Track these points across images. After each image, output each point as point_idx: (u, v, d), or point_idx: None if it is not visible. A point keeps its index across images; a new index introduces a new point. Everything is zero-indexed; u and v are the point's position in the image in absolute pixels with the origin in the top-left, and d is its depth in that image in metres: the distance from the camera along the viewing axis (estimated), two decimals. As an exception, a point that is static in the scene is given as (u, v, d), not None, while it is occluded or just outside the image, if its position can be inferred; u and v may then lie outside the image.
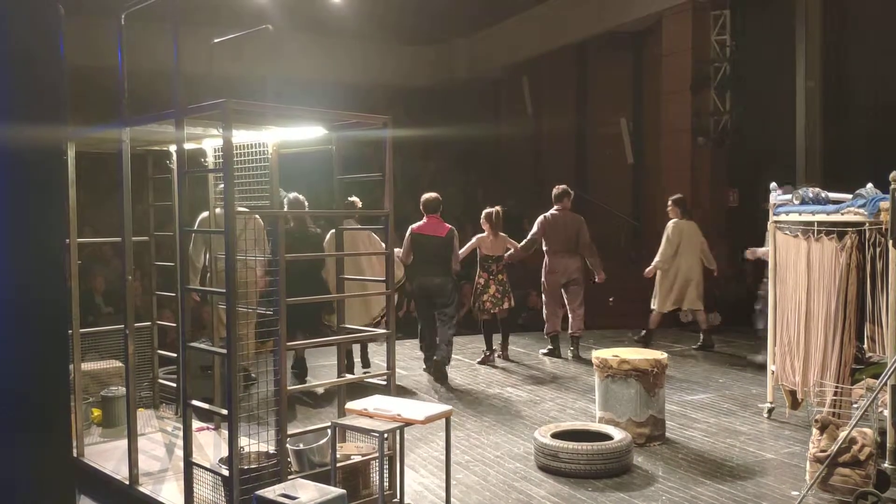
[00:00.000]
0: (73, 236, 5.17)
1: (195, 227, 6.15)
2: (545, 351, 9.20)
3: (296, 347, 7.14)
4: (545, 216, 8.99)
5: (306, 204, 7.31)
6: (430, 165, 18.00)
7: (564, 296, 9.03)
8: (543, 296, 9.16)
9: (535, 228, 8.96)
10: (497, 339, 9.00)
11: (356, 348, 8.26)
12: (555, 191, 9.16)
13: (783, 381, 6.16)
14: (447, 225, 8.24)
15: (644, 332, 9.63)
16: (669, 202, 9.44)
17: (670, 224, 9.32)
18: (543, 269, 9.06)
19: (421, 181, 16.88)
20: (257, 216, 5.24)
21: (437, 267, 8.09)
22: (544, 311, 9.17)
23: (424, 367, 8.49)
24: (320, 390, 7.11)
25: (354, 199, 7.48)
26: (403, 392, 7.14)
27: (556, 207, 9.04)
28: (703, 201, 12.28)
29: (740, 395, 7.20)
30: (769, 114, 11.87)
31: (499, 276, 8.73)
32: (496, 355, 8.92)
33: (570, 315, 9.04)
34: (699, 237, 9.37)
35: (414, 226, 8.16)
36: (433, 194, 8.29)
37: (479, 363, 8.77)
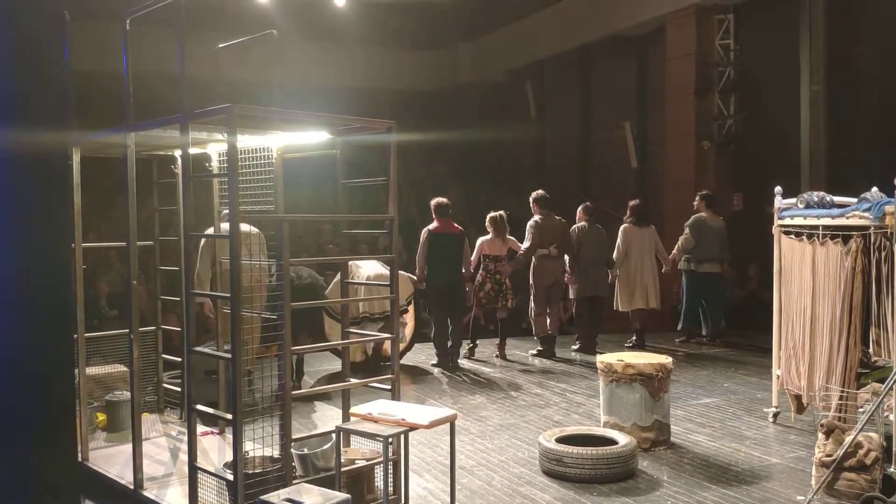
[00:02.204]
0: (78, 241, 5.18)
1: (202, 244, 6.18)
2: (535, 352, 9.35)
3: (300, 352, 7.16)
4: (536, 221, 9.13)
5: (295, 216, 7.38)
6: (434, 170, 18.02)
7: (548, 298, 9.20)
8: (532, 299, 9.24)
9: (530, 235, 9.06)
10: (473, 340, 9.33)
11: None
12: (538, 196, 9.32)
13: (788, 386, 6.15)
14: (457, 226, 8.76)
15: (634, 337, 9.83)
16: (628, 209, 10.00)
17: (620, 229, 9.84)
18: (531, 273, 9.19)
19: (425, 185, 16.92)
20: (254, 229, 5.24)
21: (454, 263, 8.61)
22: (533, 313, 9.26)
23: (436, 362, 8.71)
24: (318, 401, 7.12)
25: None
26: (408, 396, 7.13)
27: (542, 212, 9.17)
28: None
29: (745, 400, 7.19)
30: (774, 118, 11.86)
31: (496, 275, 8.97)
32: (495, 354, 9.27)
33: (548, 316, 9.26)
34: (652, 240, 9.84)
35: (430, 227, 8.64)
36: (443, 199, 8.75)
37: (464, 357, 9.13)
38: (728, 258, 10.01)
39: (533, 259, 9.12)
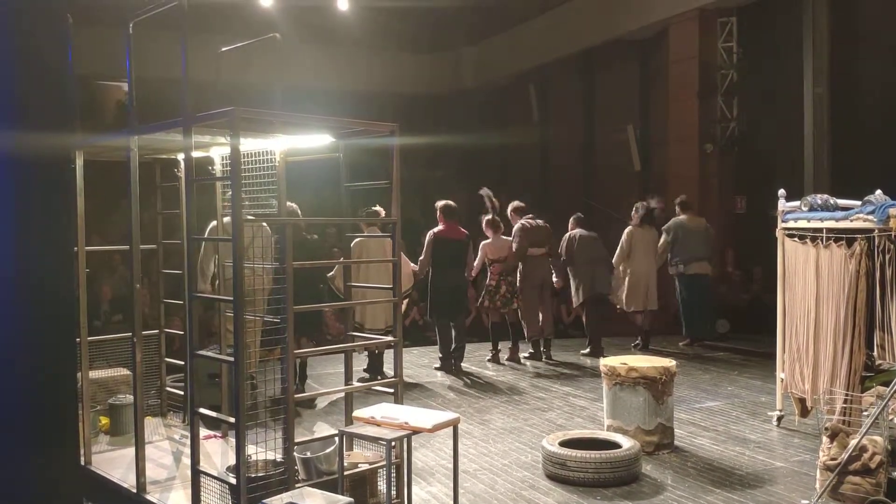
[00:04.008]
0: (82, 244, 5.18)
1: (205, 237, 6.17)
2: (526, 355, 9.34)
3: (303, 355, 7.16)
4: (523, 224, 9.14)
5: (300, 212, 7.36)
6: (437, 173, 17.99)
7: (540, 299, 9.19)
8: (522, 301, 9.22)
9: (518, 237, 9.07)
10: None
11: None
12: (516, 206, 9.51)
13: (792, 389, 6.13)
14: (463, 230, 8.72)
15: (638, 339, 9.83)
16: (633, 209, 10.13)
17: (625, 230, 9.94)
18: (519, 274, 9.18)
19: (428, 189, 16.90)
20: (265, 224, 5.24)
21: (458, 269, 8.55)
22: (524, 316, 9.24)
23: (438, 366, 8.70)
24: (323, 403, 7.11)
25: (378, 208, 7.56)
26: (411, 400, 7.12)
27: (528, 216, 9.28)
28: (710, 208, 12.25)
29: (749, 403, 7.17)
30: (777, 120, 11.85)
31: (507, 277, 9.00)
32: (504, 356, 9.23)
33: (541, 318, 9.24)
34: (654, 241, 9.95)
35: (435, 230, 8.59)
36: (450, 201, 8.73)
37: (489, 361, 9.14)
38: (712, 257, 10.05)
39: (522, 262, 9.16)
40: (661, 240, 9.94)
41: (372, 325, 7.76)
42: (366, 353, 8.34)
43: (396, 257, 4.76)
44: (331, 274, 7.69)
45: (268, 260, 4.86)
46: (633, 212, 10.00)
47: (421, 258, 8.60)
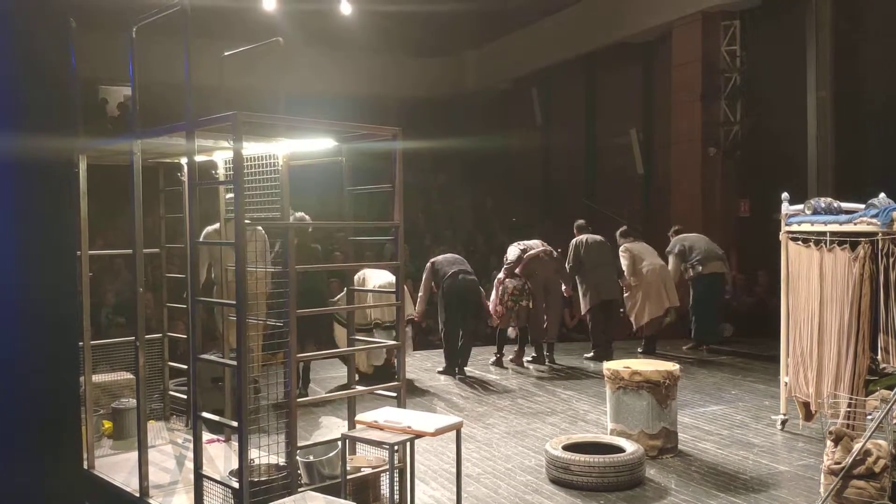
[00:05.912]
0: (85, 248, 5.18)
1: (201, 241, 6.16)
2: (530, 359, 9.30)
3: (306, 359, 7.15)
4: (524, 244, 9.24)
5: (308, 219, 7.36)
6: (440, 177, 18.03)
7: (544, 301, 9.14)
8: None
9: (515, 256, 9.06)
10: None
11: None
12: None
13: (796, 393, 6.11)
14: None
15: (643, 342, 9.81)
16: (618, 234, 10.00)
17: (620, 249, 9.76)
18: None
19: (431, 193, 16.93)
20: (259, 227, 5.23)
21: (467, 274, 8.64)
22: (527, 319, 9.20)
23: (442, 369, 8.70)
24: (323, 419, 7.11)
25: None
26: (414, 403, 7.11)
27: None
28: (714, 211, 12.25)
29: (753, 407, 7.15)
30: (780, 123, 11.84)
31: (515, 279, 9.03)
32: (508, 359, 9.23)
33: (546, 322, 9.20)
34: (650, 248, 9.84)
35: (433, 259, 8.87)
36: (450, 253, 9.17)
37: (493, 364, 9.16)
38: (723, 257, 9.94)
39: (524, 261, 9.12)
40: (671, 262, 9.75)
41: (381, 318, 7.81)
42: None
43: (399, 261, 4.76)
44: (337, 297, 7.69)
45: (263, 264, 4.86)
46: (616, 234, 9.90)
47: (422, 287, 8.72)
